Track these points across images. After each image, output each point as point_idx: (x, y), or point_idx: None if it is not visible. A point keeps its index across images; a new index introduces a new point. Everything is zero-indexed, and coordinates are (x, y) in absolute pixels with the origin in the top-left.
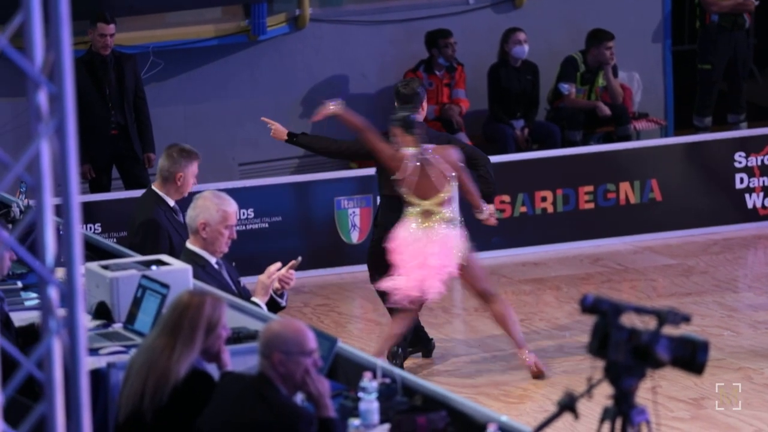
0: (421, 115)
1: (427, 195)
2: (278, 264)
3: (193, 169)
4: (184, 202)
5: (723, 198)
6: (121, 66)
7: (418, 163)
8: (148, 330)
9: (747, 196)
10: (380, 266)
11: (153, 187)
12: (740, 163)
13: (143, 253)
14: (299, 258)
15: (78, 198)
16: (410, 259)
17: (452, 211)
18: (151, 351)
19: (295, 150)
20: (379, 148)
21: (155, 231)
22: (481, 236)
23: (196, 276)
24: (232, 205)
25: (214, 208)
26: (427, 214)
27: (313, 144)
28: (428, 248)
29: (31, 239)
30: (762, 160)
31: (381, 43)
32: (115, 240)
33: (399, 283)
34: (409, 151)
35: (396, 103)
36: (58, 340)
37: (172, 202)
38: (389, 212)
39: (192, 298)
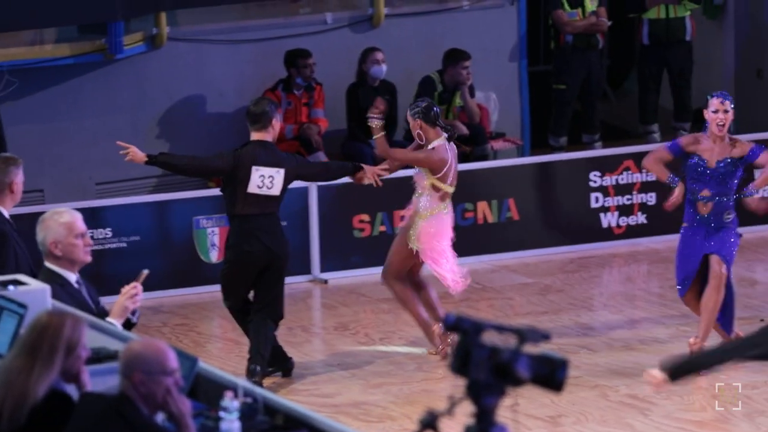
0: (271, 134)
1: (455, 180)
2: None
3: (21, 174)
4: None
5: (578, 217)
6: None
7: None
8: (5, 350)
9: (602, 215)
10: (232, 288)
11: None
12: (595, 182)
13: None
14: (145, 271)
15: None
16: (448, 245)
17: None
18: (9, 372)
19: (153, 169)
20: (417, 158)
21: (4, 243)
22: (340, 255)
23: (55, 295)
24: (71, 214)
25: (56, 225)
26: (449, 198)
27: (174, 162)
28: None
29: None
30: (616, 180)
31: (239, 62)
32: None
33: (446, 270)
34: (440, 141)
35: (248, 122)
36: None
37: (7, 213)
38: (241, 232)
39: (51, 318)
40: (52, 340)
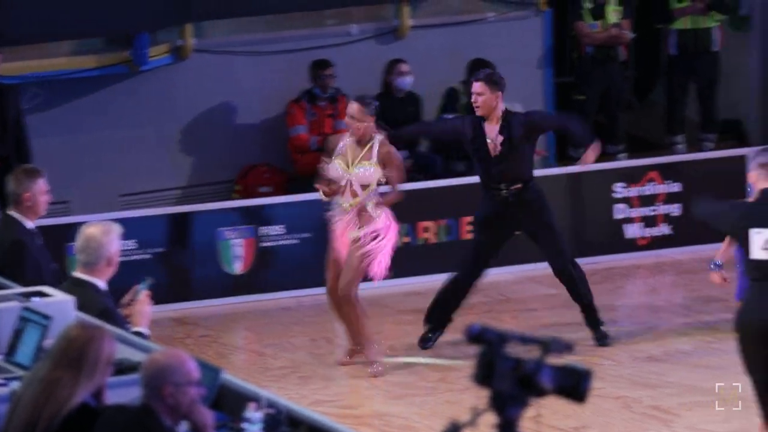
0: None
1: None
2: (133, 290)
3: (39, 186)
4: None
5: (603, 228)
6: (2, 97)
7: None
8: (29, 362)
9: (626, 226)
10: None
11: (9, 212)
12: (619, 193)
13: (12, 275)
14: (150, 279)
15: None
16: None
17: None
18: (48, 383)
19: (177, 181)
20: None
21: (22, 252)
22: None
23: (96, 303)
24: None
25: (117, 238)
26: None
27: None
28: None
29: None
30: (641, 191)
31: (264, 74)
32: None
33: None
34: None
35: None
36: None
37: (30, 224)
38: None
39: (93, 331)
40: (96, 354)
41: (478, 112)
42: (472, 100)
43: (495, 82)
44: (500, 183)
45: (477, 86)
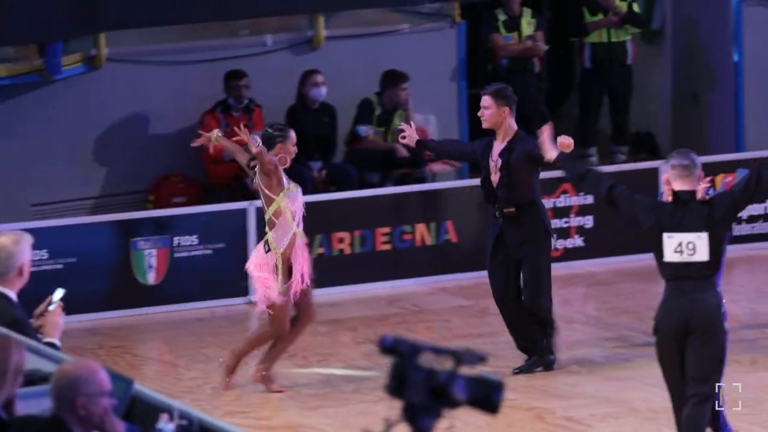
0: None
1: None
2: (45, 301)
3: None
4: None
5: None
6: None
7: None
8: None
9: None
10: None
11: None
12: None
13: None
14: (62, 290)
15: None
16: None
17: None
18: None
19: (90, 191)
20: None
21: None
22: None
23: (6, 314)
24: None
25: (28, 248)
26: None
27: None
28: None
29: None
30: (554, 203)
31: (178, 84)
32: None
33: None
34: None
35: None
36: None
37: None
38: None
39: (1, 341)
40: (4, 364)
41: (484, 125)
42: (479, 113)
43: (503, 97)
44: (495, 203)
45: (484, 100)
